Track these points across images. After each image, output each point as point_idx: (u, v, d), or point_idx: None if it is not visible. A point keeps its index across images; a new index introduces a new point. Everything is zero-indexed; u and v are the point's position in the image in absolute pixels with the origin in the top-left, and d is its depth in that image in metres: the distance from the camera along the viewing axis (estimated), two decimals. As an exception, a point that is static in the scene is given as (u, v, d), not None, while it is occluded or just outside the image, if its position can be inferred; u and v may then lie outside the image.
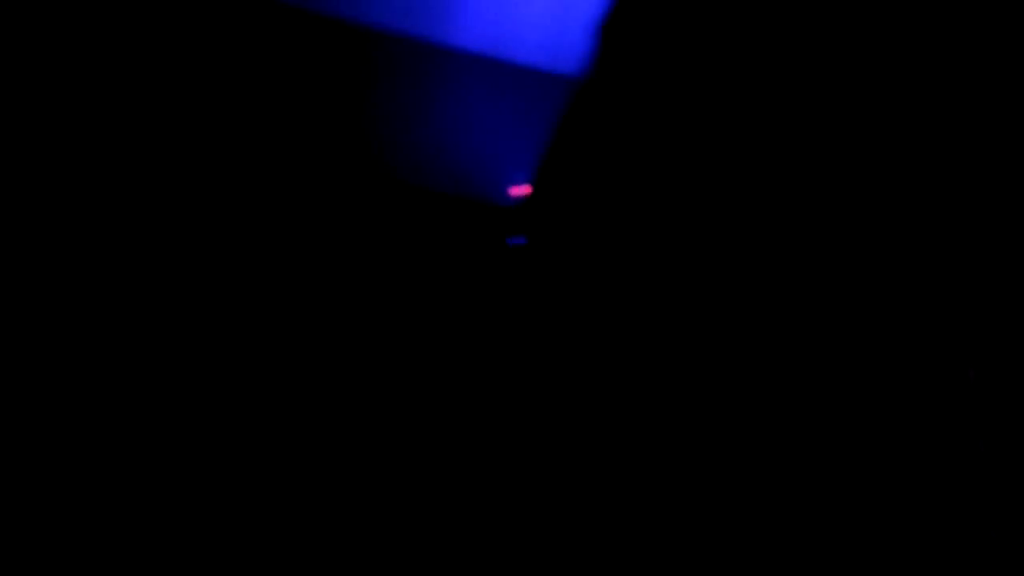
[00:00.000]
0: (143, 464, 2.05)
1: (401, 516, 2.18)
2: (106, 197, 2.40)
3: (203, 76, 2.91)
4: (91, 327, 2.12)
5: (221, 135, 3.08)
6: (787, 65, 1.66)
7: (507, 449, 2.55)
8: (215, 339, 2.37)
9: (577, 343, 2.27)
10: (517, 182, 3.71)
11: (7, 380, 2.04)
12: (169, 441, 2.05)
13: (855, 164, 1.46)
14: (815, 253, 1.51)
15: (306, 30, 3.52)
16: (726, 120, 1.80)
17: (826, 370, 1.50)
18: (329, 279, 2.79)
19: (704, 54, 1.95)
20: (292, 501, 2.07)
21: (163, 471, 2.05)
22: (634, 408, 1.85)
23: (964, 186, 1.37)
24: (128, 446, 2.05)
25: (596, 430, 1.97)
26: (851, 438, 1.40)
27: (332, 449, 2.22)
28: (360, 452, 2.27)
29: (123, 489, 2.02)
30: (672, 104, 2.12)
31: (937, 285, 1.36)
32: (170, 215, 2.62)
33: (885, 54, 1.45)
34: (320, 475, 2.17)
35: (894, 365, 1.37)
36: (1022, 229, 1.33)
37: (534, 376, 2.57)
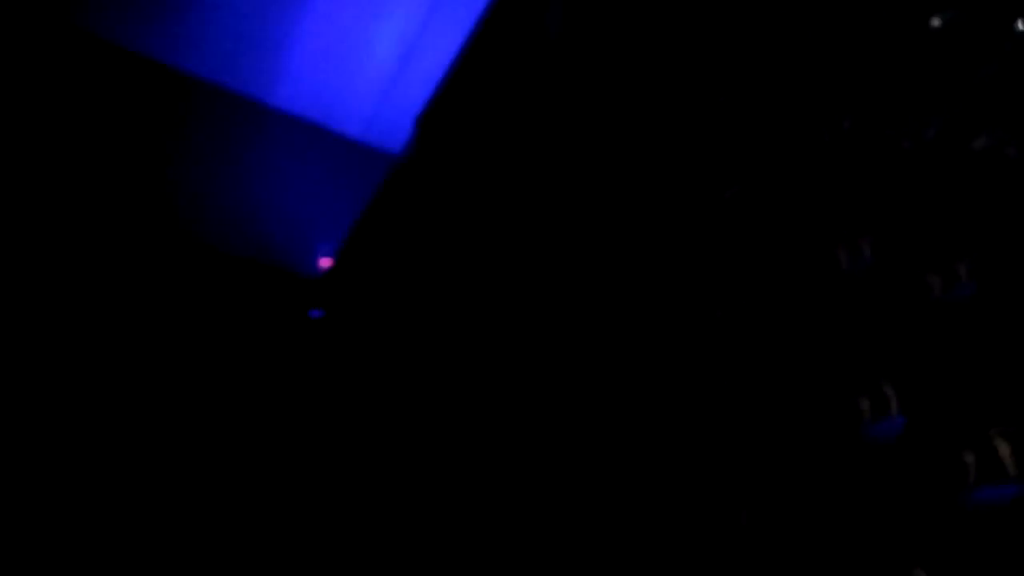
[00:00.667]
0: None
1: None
2: None
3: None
4: None
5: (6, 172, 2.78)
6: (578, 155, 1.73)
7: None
8: None
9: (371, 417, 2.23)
10: (326, 253, 3.60)
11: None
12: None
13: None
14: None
15: (117, 67, 3.29)
16: (538, 208, 1.83)
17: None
18: (117, 339, 2.56)
19: (515, 151, 1.98)
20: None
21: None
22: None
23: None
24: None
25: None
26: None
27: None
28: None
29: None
30: (482, 193, 2.14)
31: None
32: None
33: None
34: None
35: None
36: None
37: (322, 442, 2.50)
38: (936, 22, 1.18)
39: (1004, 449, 0.98)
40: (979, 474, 0.90)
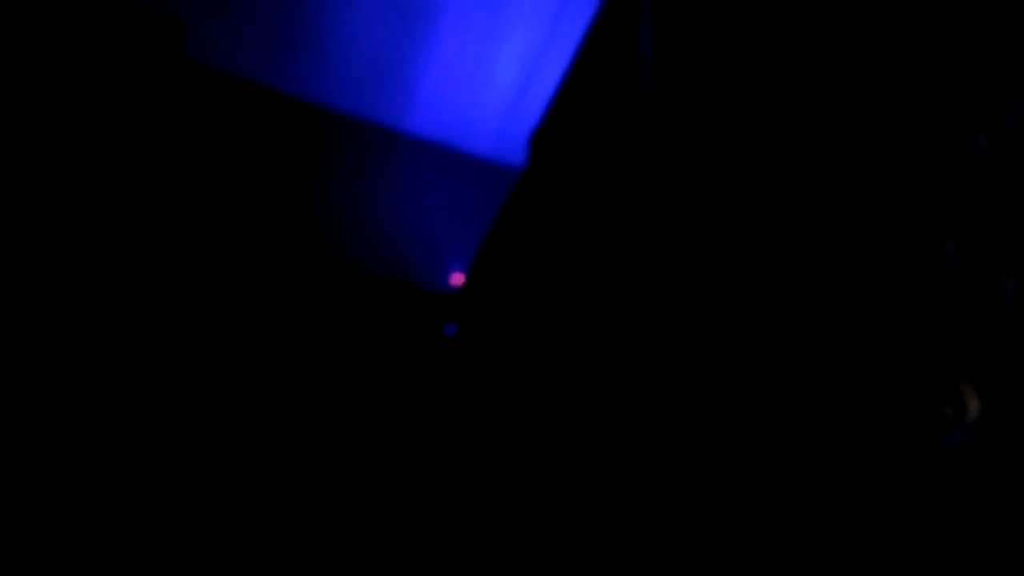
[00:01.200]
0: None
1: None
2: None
3: (150, 146, 2.98)
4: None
5: (163, 207, 3.14)
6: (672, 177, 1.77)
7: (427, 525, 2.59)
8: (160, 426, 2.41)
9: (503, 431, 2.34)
10: (458, 269, 3.78)
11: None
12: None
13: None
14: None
15: (261, 105, 3.62)
16: (649, 224, 1.89)
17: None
18: (267, 359, 2.83)
19: (618, 170, 2.05)
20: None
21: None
22: (544, 495, 1.90)
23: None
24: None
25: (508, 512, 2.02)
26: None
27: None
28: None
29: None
30: (591, 210, 2.22)
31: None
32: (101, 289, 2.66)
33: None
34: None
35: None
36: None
37: (457, 459, 2.63)
38: (1011, 12, 1.16)
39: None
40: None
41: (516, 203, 2.63)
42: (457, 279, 3.59)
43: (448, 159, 3.93)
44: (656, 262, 1.63)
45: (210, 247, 2.92)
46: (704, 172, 1.60)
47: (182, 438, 2.38)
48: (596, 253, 1.92)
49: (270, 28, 3.57)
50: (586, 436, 1.85)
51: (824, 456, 1.22)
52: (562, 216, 2.29)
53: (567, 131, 2.34)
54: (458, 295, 3.40)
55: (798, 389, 1.28)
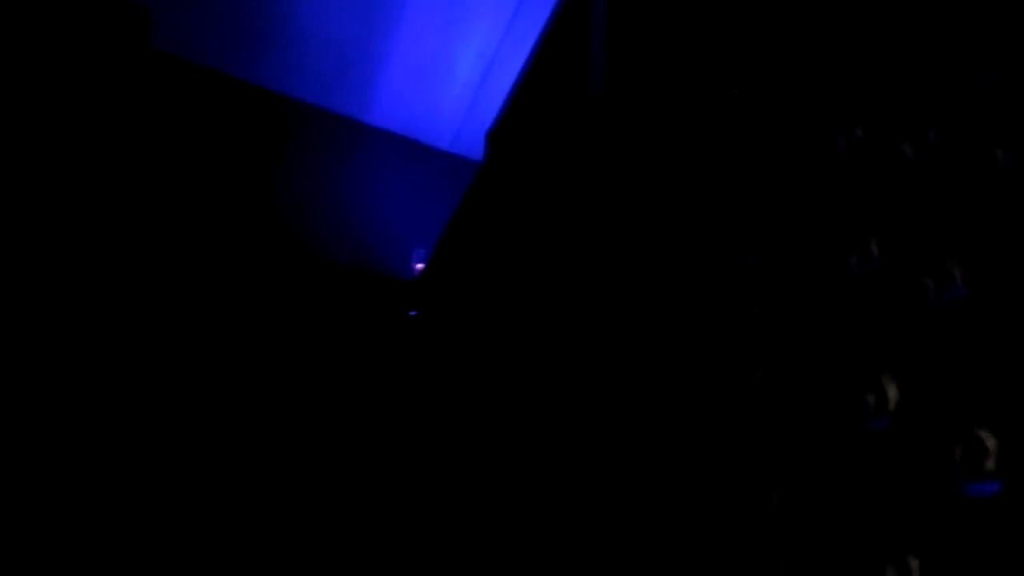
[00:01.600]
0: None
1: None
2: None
3: (111, 132, 3.01)
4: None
5: (123, 194, 3.17)
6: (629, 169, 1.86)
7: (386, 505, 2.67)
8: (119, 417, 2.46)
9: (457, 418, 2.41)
10: (421, 258, 3.86)
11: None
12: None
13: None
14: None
15: (223, 94, 3.66)
16: (599, 222, 1.98)
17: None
18: (232, 348, 2.88)
19: (574, 169, 2.14)
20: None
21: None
22: (492, 469, 1.98)
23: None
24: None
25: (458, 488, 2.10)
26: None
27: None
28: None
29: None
30: (543, 206, 2.31)
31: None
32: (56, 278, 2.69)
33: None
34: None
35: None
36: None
37: (415, 439, 2.71)
38: (939, 27, 1.25)
39: (991, 443, 1.03)
40: (966, 468, 0.96)
41: (473, 197, 2.73)
42: (419, 267, 3.67)
43: (410, 150, 4.00)
44: (599, 262, 1.73)
45: (170, 236, 2.96)
46: (647, 177, 1.70)
47: (144, 430, 2.43)
48: (546, 247, 2.02)
49: (234, 17, 3.61)
50: (535, 418, 1.94)
51: (759, 442, 1.31)
52: (515, 211, 2.39)
53: (522, 129, 2.43)
54: (419, 282, 3.49)
55: (739, 380, 1.37)
